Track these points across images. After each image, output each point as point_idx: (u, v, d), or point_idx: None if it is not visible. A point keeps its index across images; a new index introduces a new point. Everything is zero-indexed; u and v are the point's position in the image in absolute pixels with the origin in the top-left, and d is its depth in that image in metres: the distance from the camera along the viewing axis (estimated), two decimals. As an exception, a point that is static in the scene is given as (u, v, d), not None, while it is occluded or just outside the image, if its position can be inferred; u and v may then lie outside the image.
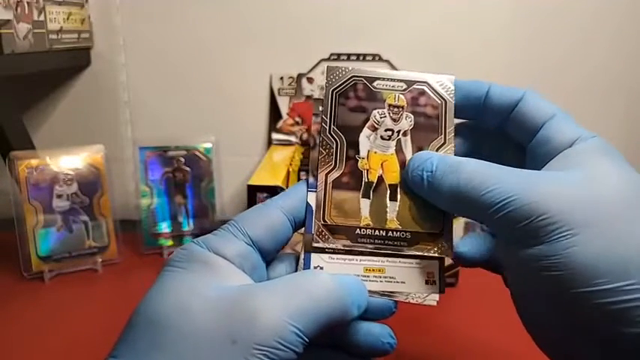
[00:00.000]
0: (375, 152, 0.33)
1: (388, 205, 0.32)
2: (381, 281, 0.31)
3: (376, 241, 0.32)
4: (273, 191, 0.57)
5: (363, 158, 0.33)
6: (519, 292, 0.30)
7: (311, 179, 0.32)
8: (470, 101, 0.34)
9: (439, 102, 0.34)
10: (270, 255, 0.31)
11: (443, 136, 0.33)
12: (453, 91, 0.34)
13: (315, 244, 0.31)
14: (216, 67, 0.78)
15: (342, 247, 0.32)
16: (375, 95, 0.34)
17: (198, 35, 0.77)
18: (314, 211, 0.32)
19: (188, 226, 0.72)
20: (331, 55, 0.75)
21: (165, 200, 0.71)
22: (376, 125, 0.33)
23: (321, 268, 0.31)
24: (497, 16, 0.75)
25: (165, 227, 0.71)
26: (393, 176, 0.33)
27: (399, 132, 0.33)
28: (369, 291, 0.31)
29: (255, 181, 0.58)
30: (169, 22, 0.76)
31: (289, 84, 0.77)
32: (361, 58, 0.76)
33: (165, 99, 0.79)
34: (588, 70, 0.78)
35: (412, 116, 0.33)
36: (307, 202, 0.32)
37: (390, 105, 0.33)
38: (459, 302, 0.57)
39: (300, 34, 0.76)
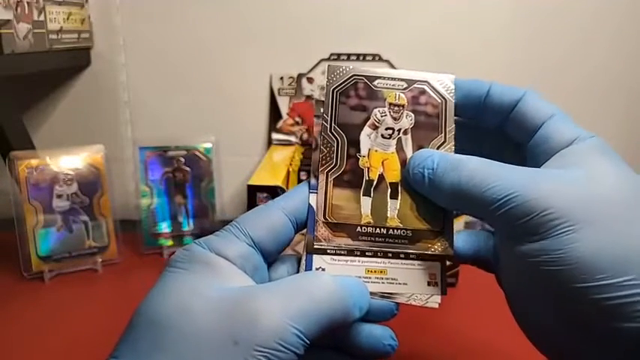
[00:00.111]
0: (376, 151, 0.33)
1: (389, 203, 0.32)
2: (382, 283, 0.31)
3: (377, 239, 0.32)
4: (273, 191, 0.57)
5: (363, 156, 0.33)
6: (515, 289, 0.30)
7: (313, 180, 0.33)
8: (470, 100, 0.34)
9: (439, 101, 0.34)
10: (271, 256, 0.31)
11: (443, 134, 0.33)
12: (453, 90, 0.34)
13: (316, 243, 0.31)
14: (216, 67, 0.78)
15: (343, 245, 0.32)
16: (376, 94, 0.34)
17: (198, 35, 0.77)
18: (315, 211, 0.32)
19: (188, 226, 0.72)
20: (331, 55, 0.75)
21: (165, 200, 0.71)
22: (377, 124, 0.33)
23: (323, 270, 0.31)
24: (497, 16, 0.75)
25: (165, 227, 0.71)
26: (393, 174, 0.33)
27: (399, 131, 0.33)
28: (371, 292, 0.31)
29: (255, 181, 0.58)
30: (169, 22, 0.76)
31: (289, 84, 0.77)
32: (361, 58, 0.76)
33: (165, 99, 0.79)
34: (588, 70, 0.78)
35: (413, 115, 0.33)
36: (309, 203, 0.32)
37: (390, 104, 0.34)
38: (459, 302, 0.57)
39: (300, 34, 0.76)
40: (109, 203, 0.67)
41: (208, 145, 0.71)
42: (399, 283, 0.32)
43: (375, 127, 0.33)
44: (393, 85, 0.34)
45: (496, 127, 0.34)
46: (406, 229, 0.32)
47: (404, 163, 0.33)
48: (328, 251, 0.32)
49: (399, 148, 0.33)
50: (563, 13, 0.75)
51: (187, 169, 0.71)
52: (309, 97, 0.78)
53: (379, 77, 0.34)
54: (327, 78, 0.34)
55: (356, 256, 0.32)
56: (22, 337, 0.52)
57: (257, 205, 0.33)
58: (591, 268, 0.25)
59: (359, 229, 0.32)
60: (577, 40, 0.76)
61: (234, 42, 0.77)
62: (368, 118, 0.33)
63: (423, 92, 0.34)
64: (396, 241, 0.32)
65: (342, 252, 0.32)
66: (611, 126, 0.79)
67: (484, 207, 0.28)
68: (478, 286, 0.53)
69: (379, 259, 0.32)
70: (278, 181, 0.58)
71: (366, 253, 0.32)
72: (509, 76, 0.70)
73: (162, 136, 0.70)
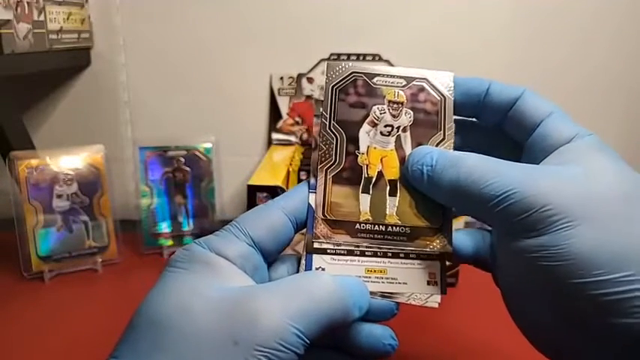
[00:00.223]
0: (375, 148, 0.33)
1: (388, 200, 0.32)
2: (382, 282, 0.31)
3: (376, 236, 0.32)
4: (273, 191, 0.57)
5: (362, 154, 0.33)
6: (513, 286, 0.30)
7: (312, 180, 0.33)
8: (470, 98, 0.34)
9: (438, 98, 0.34)
10: (271, 256, 0.31)
11: (442, 132, 0.33)
12: (452, 88, 0.34)
13: (315, 240, 0.32)
14: (216, 67, 0.78)
15: (342, 242, 0.32)
16: (375, 91, 0.34)
17: (198, 35, 0.77)
18: (314, 208, 0.32)
19: (188, 226, 0.72)
20: (331, 55, 0.75)
21: (165, 200, 0.71)
22: (376, 121, 0.33)
23: (323, 269, 0.31)
24: (497, 16, 0.75)
25: (165, 227, 0.71)
26: (392, 172, 0.33)
27: (398, 128, 0.33)
28: (371, 292, 0.31)
29: (255, 181, 0.58)
30: (169, 22, 0.76)
31: (289, 84, 0.77)
32: (361, 58, 0.76)
33: (165, 99, 0.79)
34: (588, 70, 0.78)
35: (411, 112, 0.34)
36: (309, 203, 0.32)
37: (389, 101, 0.34)
38: (459, 302, 0.57)
39: (300, 34, 0.76)
40: (109, 203, 0.67)
41: (208, 145, 0.71)
42: (399, 283, 0.32)
43: (374, 125, 0.33)
44: (392, 82, 0.34)
45: (495, 125, 0.34)
46: (405, 226, 0.32)
47: (403, 160, 0.33)
48: (328, 251, 0.32)
49: (398, 145, 0.33)
50: (563, 13, 0.75)
51: (187, 169, 0.71)
52: (309, 97, 0.78)
53: (378, 74, 0.34)
54: (327, 75, 0.34)
55: (356, 255, 0.32)
56: (22, 337, 0.52)
57: (257, 205, 0.33)
58: (589, 263, 0.25)
59: (358, 226, 0.32)
60: (577, 40, 0.76)
61: (234, 42, 0.77)
62: (367, 116, 0.33)
63: (422, 89, 0.34)
64: (395, 238, 0.32)
65: (342, 252, 0.32)
66: (611, 126, 0.80)
67: (483, 203, 0.28)
68: (478, 286, 0.53)
69: (379, 259, 0.32)
70: (278, 181, 0.58)
71: (366, 253, 0.32)
72: (509, 76, 0.70)
73: (163, 136, 0.70)
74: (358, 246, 0.32)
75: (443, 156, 0.31)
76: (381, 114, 0.33)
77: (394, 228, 0.32)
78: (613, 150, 0.30)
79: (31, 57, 0.61)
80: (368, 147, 0.33)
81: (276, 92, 0.78)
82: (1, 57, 0.54)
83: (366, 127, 0.33)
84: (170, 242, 0.71)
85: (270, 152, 0.75)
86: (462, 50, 0.76)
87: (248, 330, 0.25)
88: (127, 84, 0.79)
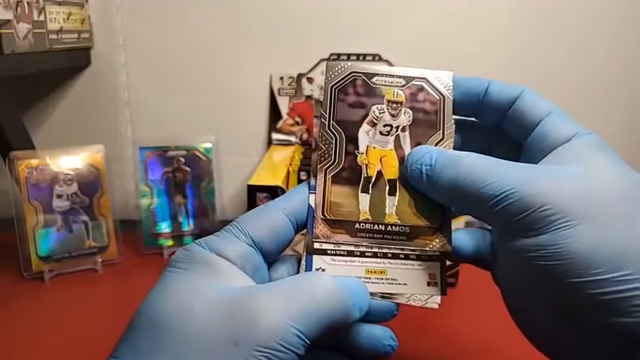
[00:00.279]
0: (374, 147, 0.33)
1: (387, 199, 0.32)
2: (382, 283, 0.31)
3: (375, 235, 0.32)
4: (273, 191, 0.57)
5: (362, 153, 0.33)
6: (512, 285, 0.30)
7: (312, 181, 0.33)
8: (469, 98, 0.34)
9: (437, 98, 0.34)
10: (271, 256, 0.31)
11: (441, 131, 0.33)
12: (451, 87, 0.34)
13: (315, 240, 0.32)
14: (216, 67, 0.78)
15: (342, 242, 0.32)
16: (374, 91, 0.34)
17: (198, 35, 0.77)
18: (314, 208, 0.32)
19: (188, 226, 0.72)
20: (331, 55, 0.75)
21: (165, 200, 0.71)
22: (375, 121, 0.33)
23: (323, 270, 0.31)
24: (497, 16, 0.75)
25: (165, 227, 0.71)
26: (391, 171, 0.33)
27: (397, 127, 0.33)
28: (371, 293, 0.31)
29: (255, 181, 0.58)
30: (169, 22, 0.76)
31: (289, 84, 0.77)
32: (361, 58, 0.75)
33: (165, 99, 0.79)
34: (588, 70, 0.78)
35: (411, 112, 0.34)
36: (309, 203, 0.32)
37: (388, 101, 0.34)
38: (459, 302, 0.57)
39: (300, 34, 0.76)
40: (109, 203, 0.67)
41: (208, 145, 0.71)
42: (399, 284, 0.32)
43: (373, 124, 0.33)
44: (391, 82, 0.34)
45: (494, 125, 0.34)
46: (404, 226, 0.32)
47: (402, 159, 0.33)
48: (328, 252, 0.32)
49: (397, 145, 0.33)
50: (563, 13, 0.75)
51: (187, 169, 0.71)
52: (309, 97, 0.78)
53: (377, 74, 0.34)
54: (326, 75, 0.34)
55: (356, 256, 0.32)
56: (22, 337, 0.52)
57: (257, 205, 0.33)
58: (587, 263, 0.25)
59: (357, 225, 0.32)
60: (577, 40, 0.76)
61: (234, 42, 0.77)
62: (366, 115, 0.33)
63: (421, 89, 0.34)
64: (394, 237, 0.32)
65: (342, 252, 0.32)
66: (611, 126, 0.79)
67: (482, 203, 0.28)
68: (478, 287, 0.53)
69: (379, 260, 0.32)
70: (278, 181, 0.58)
71: (366, 254, 0.32)
72: (509, 76, 0.70)
73: (163, 136, 0.70)
74: (358, 246, 0.32)
75: (442, 155, 0.31)
76: (380, 114, 0.33)
77: (394, 227, 0.32)
78: (612, 149, 0.30)
79: (31, 57, 0.61)
80: (367, 147, 0.33)
81: (276, 92, 0.78)
82: (1, 57, 0.54)
83: (365, 126, 0.33)
84: (170, 242, 0.71)
85: (270, 152, 0.75)
86: (462, 50, 0.76)
87: (248, 330, 0.25)
88: (127, 84, 0.78)
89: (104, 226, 0.67)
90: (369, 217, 0.32)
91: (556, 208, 0.26)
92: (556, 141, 0.31)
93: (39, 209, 0.63)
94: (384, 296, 0.31)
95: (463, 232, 0.33)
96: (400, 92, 0.34)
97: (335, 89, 0.34)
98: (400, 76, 0.34)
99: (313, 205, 0.32)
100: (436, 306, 0.32)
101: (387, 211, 0.32)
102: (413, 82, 0.34)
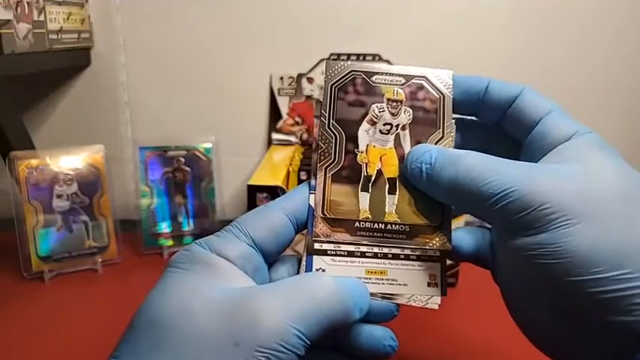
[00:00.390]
0: (374, 146, 0.33)
1: (387, 198, 0.32)
2: (383, 283, 0.31)
3: (375, 234, 0.32)
4: (273, 191, 0.57)
5: (362, 152, 0.33)
6: (512, 284, 0.31)
7: (313, 181, 0.33)
8: (469, 96, 0.34)
9: (437, 96, 0.34)
10: (272, 257, 0.31)
11: (441, 130, 0.33)
12: (451, 86, 0.34)
13: (315, 239, 0.32)
14: (216, 67, 0.78)
15: (342, 240, 0.32)
16: (374, 90, 0.34)
17: (198, 35, 0.77)
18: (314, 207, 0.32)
19: (188, 226, 0.72)
20: (331, 55, 0.75)
21: (165, 200, 0.71)
22: (375, 119, 0.33)
23: (323, 271, 0.31)
24: (497, 16, 0.75)
25: (165, 227, 0.71)
26: (391, 170, 0.33)
27: (397, 126, 0.33)
28: (371, 293, 0.31)
29: (255, 181, 0.58)
30: (169, 22, 0.76)
31: (289, 84, 0.77)
32: (361, 58, 0.75)
33: (165, 99, 0.79)
34: (588, 70, 0.78)
35: (411, 110, 0.34)
36: (309, 203, 0.32)
37: (388, 99, 0.34)
38: (459, 302, 0.57)
39: (300, 34, 0.76)
40: (109, 203, 0.67)
41: (208, 145, 0.71)
42: (400, 284, 0.32)
43: (373, 123, 0.33)
44: (391, 80, 0.34)
45: (494, 123, 0.34)
46: (404, 224, 0.32)
47: (402, 158, 0.33)
48: (329, 252, 0.32)
49: (397, 143, 0.33)
50: (563, 13, 0.75)
51: (187, 169, 0.71)
52: (309, 97, 0.78)
53: (377, 73, 0.34)
54: (325, 74, 0.34)
55: (356, 257, 0.32)
56: (22, 337, 0.52)
57: (257, 205, 0.33)
58: (587, 261, 0.25)
59: (357, 224, 0.32)
60: (577, 40, 0.76)
61: (234, 42, 0.77)
62: (366, 114, 0.33)
63: (421, 88, 0.34)
64: (394, 236, 0.32)
65: (343, 253, 0.32)
66: (611, 126, 0.79)
67: (481, 202, 0.28)
68: (478, 287, 0.53)
69: (379, 260, 0.32)
70: (278, 181, 0.58)
71: (367, 254, 0.32)
72: (509, 76, 0.69)
73: (162, 136, 0.70)
74: (359, 247, 0.32)
75: (442, 154, 0.31)
76: (380, 112, 0.33)
77: (393, 226, 0.32)
78: (613, 148, 0.30)
79: (31, 57, 0.61)
80: (367, 145, 0.33)
81: (276, 92, 0.78)
82: (1, 57, 0.54)
83: (365, 125, 0.33)
84: (170, 242, 0.71)
85: (270, 152, 0.75)
86: (462, 50, 0.76)
87: (249, 331, 0.25)
88: (127, 84, 0.78)
89: (104, 226, 0.67)
90: (369, 216, 0.32)
91: (556, 207, 0.26)
92: (556, 139, 0.31)
93: (39, 209, 0.63)
94: (385, 297, 0.31)
95: (463, 231, 0.33)
96: (400, 91, 0.34)
97: (335, 88, 0.34)
98: (400, 75, 0.34)
99: (313, 205, 0.32)
100: (436, 307, 0.32)
101: (386, 210, 0.32)
102: (413, 81, 0.34)
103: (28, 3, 0.59)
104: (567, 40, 0.76)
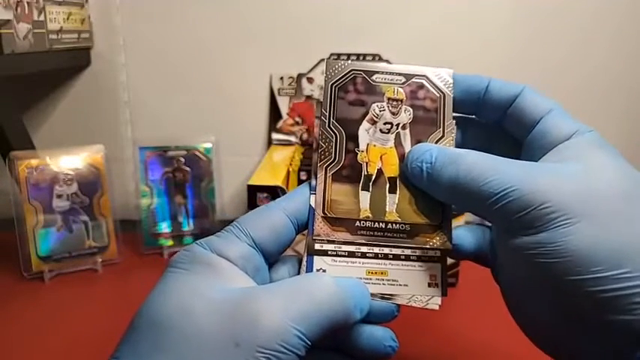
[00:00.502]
0: (375, 145, 0.33)
1: (387, 197, 0.32)
2: (383, 284, 0.31)
3: (376, 233, 0.32)
4: (273, 191, 0.57)
5: (362, 151, 0.33)
6: (512, 283, 0.31)
7: (313, 182, 0.33)
8: (469, 95, 0.34)
9: (438, 95, 0.34)
10: (272, 257, 0.31)
11: (441, 129, 0.33)
12: (451, 85, 0.34)
13: (316, 237, 0.32)
14: (216, 67, 0.78)
15: (342, 240, 0.32)
16: (374, 89, 0.34)
17: (198, 35, 0.77)
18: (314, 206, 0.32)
19: (188, 226, 0.72)
20: (331, 55, 0.75)
21: (165, 200, 0.71)
22: (375, 119, 0.33)
23: (324, 271, 0.31)
24: (497, 16, 0.75)
25: (165, 227, 0.71)
26: (392, 169, 0.33)
27: (397, 125, 0.33)
28: (372, 294, 0.31)
29: (255, 181, 0.58)
30: (169, 22, 0.76)
31: (289, 84, 0.77)
32: (361, 58, 0.75)
33: (165, 99, 0.79)
34: (588, 70, 0.78)
35: (411, 109, 0.34)
36: (310, 204, 0.32)
37: (389, 98, 0.34)
38: (459, 302, 0.57)
39: (300, 34, 0.76)
40: (109, 203, 0.67)
41: (208, 145, 0.71)
42: (400, 285, 0.32)
43: (373, 122, 0.33)
44: (391, 79, 0.34)
45: (494, 123, 0.34)
46: (405, 224, 0.32)
47: (402, 157, 0.33)
48: (329, 253, 0.32)
49: (398, 142, 0.33)
50: (563, 13, 0.75)
51: (187, 169, 0.71)
52: (309, 97, 0.78)
53: (377, 72, 0.34)
54: (326, 73, 0.34)
55: (357, 257, 0.32)
56: (22, 337, 0.52)
57: (257, 205, 0.33)
58: (586, 260, 0.25)
59: (358, 223, 0.32)
60: (577, 40, 0.76)
61: (234, 42, 0.77)
62: (366, 113, 0.33)
63: (421, 87, 0.34)
64: (395, 235, 0.32)
65: (343, 253, 0.32)
66: (611, 126, 0.79)
67: (482, 201, 0.28)
68: (478, 287, 0.53)
69: (380, 261, 0.32)
70: (278, 181, 0.58)
71: (367, 255, 0.32)
72: (509, 76, 0.69)
73: (162, 136, 0.70)
74: (359, 247, 0.32)
75: (442, 153, 0.31)
76: (380, 111, 0.33)
77: (394, 225, 0.32)
78: (613, 147, 0.30)
79: (31, 57, 0.61)
80: (367, 145, 0.33)
81: (276, 92, 0.78)
82: (1, 57, 0.54)
83: (365, 124, 0.33)
84: (170, 242, 0.71)
85: (270, 152, 0.75)
86: (462, 50, 0.76)
87: (249, 331, 0.25)
88: (127, 84, 0.78)
89: (104, 226, 0.67)
90: (370, 215, 0.32)
91: (556, 206, 0.26)
92: (556, 138, 0.31)
93: (39, 209, 0.63)
94: (385, 297, 0.31)
95: (464, 230, 0.33)
96: (400, 90, 0.34)
97: (335, 87, 0.34)
98: (400, 74, 0.34)
99: (314, 206, 0.32)
100: (437, 307, 0.32)
101: (387, 209, 0.32)
102: (413, 80, 0.34)
103: (28, 3, 0.59)
104: (567, 40, 0.76)
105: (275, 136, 0.79)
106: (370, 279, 0.31)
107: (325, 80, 0.34)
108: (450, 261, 0.33)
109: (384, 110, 0.33)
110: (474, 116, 0.35)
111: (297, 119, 0.78)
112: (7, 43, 0.55)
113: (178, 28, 0.76)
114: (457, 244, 0.32)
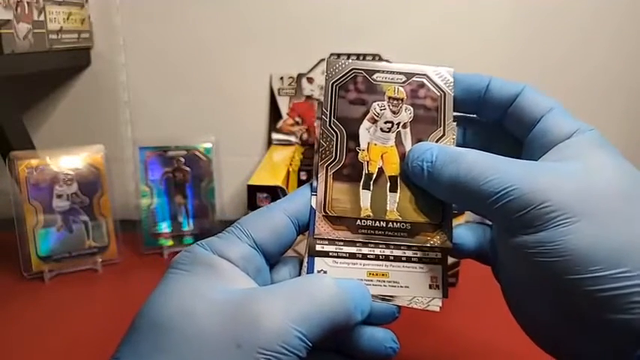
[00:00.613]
0: (375, 144, 0.33)
1: (388, 196, 0.32)
2: (384, 285, 0.31)
3: (376, 232, 0.32)
4: (273, 191, 0.57)
5: (363, 150, 0.33)
6: (512, 281, 0.31)
7: (314, 183, 0.33)
8: (470, 94, 0.34)
9: (438, 94, 0.34)
10: (273, 258, 0.31)
11: (442, 128, 0.33)
12: (452, 84, 0.34)
13: (316, 236, 0.32)
14: (216, 67, 0.78)
15: (343, 238, 0.32)
16: (375, 88, 0.34)
17: (198, 35, 0.77)
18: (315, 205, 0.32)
19: (188, 226, 0.72)
20: (331, 55, 0.75)
21: (165, 200, 0.71)
22: (376, 117, 0.33)
23: (325, 272, 0.31)
24: (497, 16, 0.75)
25: (165, 227, 0.71)
26: (392, 168, 0.33)
27: (398, 124, 0.33)
28: (373, 295, 0.31)
29: (255, 181, 0.58)
30: (169, 22, 0.76)
31: (289, 84, 0.77)
32: (361, 58, 0.75)
33: (165, 99, 0.79)
34: (588, 70, 0.78)
35: (411, 108, 0.34)
36: (311, 205, 0.32)
37: (389, 97, 0.34)
38: (459, 303, 0.57)
39: (300, 34, 0.76)
40: (109, 203, 0.67)
41: (208, 145, 0.71)
42: (401, 286, 0.32)
43: (374, 121, 0.33)
44: (392, 78, 0.34)
45: (495, 121, 0.34)
46: (405, 222, 0.32)
47: (403, 156, 0.33)
48: (330, 254, 0.32)
49: (398, 141, 0.33)
50: (563, 13, 0.75)
51: (187, 169, 0.71)
52: (309, 97, 0.78)
53: (378, 71, 0.34)
54: (327, 72, 0.34)
55: (358, 258, 0.32)
56: (22, 337, 0.52)
57: (257, 206, 0.33)
58: (585, 259, 0.25)
59: (358, 222, 0.32)
60: (577, 40, 0.76)
61: (234, 42, 0.77)
62: (367, 112, 0.33)
63: (422, 85, 0.34)
64: (395, 234, 0.32)
65: (344, 255, 0.32)
66: (611, 125, 0.79)
67: (482, 200, 0.28)
68: (478, 286, 0.53)
69: (381, 262, 0.32)
70: (278, 181, 0.58)
71: (368, 256, 0.32)
72: (509, 76, 0.69)
73: (163, 136, 0.70)
74: (360, 249, 0.32)
75: (443, 152, 0.31)
76: (381, 110, 0.33)
77: (395, 224, 0.32)
78: (613, 146, 0.30)
79: (31, 57, 0.61)
80: (368, 143, 0.33)
81: (276, 92, 0.78)
82: (1, 57, 0.54)
83: (366, 123, 0.33)
84: (170, 242, 0.71)
85: (270, 152, 0.75)
86: (462, 50, 0.76)
87: (250, 333, 0.25)
88: (127, 84, 0.78)
89: (104, 226, 0.67)
90: (370, 214, 0.32)
91: (556, 205, 0.26)
92: (557, 137, 0.31)
93: (39, 209, 0.63)
94: (386, 299, 0.31)
95: (464, 228, 0.33)
96: (401, 89, 0.34)
97: (335, 86, 0.34)
98: (401, 73, 0.34)
99: (315, 207, 0.32)
100: (437, 309, 0.32)
101: (388, 208, 0.32)
102: (414, 79, 0.34)
103: (28, 3, 0.58)
104: (567, 40, 0.76)
105: (275, 136, 0.79)
106: (371, 280, 0.31)
107: (326, 79, 0.34)
108: (450, 260, 0.33)
109: (384, 109, 0.33)
110: (474, 115, 0.35)
111: (297, 119, 0.78)
112: (7, 43, 0.55)
113: (178, 28, 0.76)
114: (458, 243, 0.32)
